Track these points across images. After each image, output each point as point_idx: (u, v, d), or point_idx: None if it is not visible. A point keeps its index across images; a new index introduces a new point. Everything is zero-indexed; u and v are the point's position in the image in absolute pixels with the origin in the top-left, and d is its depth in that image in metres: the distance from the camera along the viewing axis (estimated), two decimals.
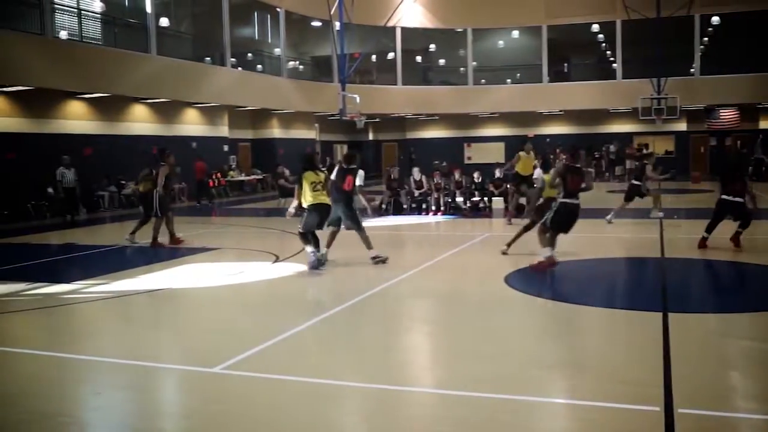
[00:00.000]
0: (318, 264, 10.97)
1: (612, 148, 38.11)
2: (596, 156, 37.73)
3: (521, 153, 17.10)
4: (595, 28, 35.96)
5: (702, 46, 35.11)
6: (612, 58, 36.66)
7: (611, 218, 16.12)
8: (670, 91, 33.44)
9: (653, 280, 10.44)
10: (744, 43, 34.36)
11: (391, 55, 36.66)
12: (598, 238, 14.47)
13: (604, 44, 37.15)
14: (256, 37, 33.32)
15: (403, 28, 36.40)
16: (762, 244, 13.38)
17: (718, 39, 34.67)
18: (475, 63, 37.83)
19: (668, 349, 6.41)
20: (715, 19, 34.05)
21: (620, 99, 35.19)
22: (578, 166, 10.65)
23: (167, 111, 26.50)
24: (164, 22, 24.89)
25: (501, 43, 39.22)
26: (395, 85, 36.65)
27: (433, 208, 19.71)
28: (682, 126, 37.61)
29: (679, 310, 8.06)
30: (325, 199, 11.10)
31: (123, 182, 23.47)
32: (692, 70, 35.23)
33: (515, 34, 38.29)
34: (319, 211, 11.06)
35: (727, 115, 36.81)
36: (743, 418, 5.01)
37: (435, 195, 19.89)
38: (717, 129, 37.47)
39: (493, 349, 6.73)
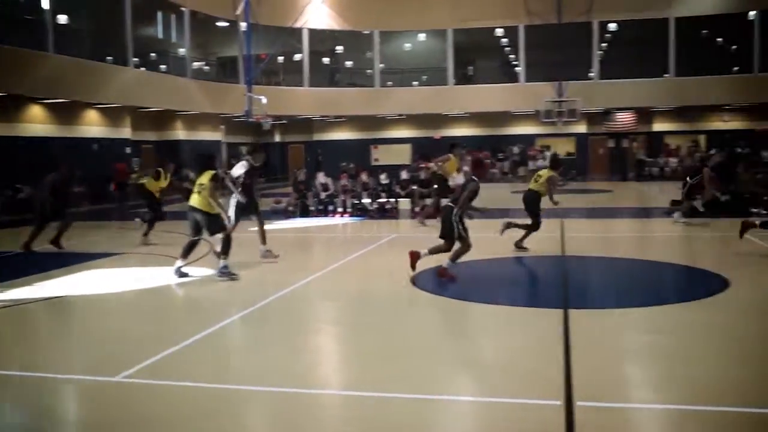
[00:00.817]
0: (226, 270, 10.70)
1: (515, 149, 39.02)
2: (500, 157, 38.59)
3: (451, 155, 16.94)
4: (500, 32, 36.79)
5: (600, 52, 36.35)
6: (516, 62, 37.53)
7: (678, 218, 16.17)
8: (571, 95, 34.53)
9: (555, 278, 10.72)
10: (639, 49, 35.83)
11: (298, 57, 36.50)
12: (502, 238, 14.76)
13: (508, 48, 37.99)
14: (160, 37, 32.62)
15: (311, 30, 36.32)
16: (659, 240, 13.96)
17: (615, 45, 36.00)
18: (382, 65, 38.08)
19: (569, 345, 6.61)
20: (612, 26, 35.36)
21: (523, 101, 36.04)
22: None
23: (66, 112, 25.58)
24: (63, 19, 24.06)
25: (408, 45, 39.68)
26: (302, 86, 36.52)
27: (340, 210, 19.71)
28: (582, 128, 38.83)
29: (580, 306, 8.32)
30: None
31: (18, 186, 22.53)
32: (591, 74, 36.44)
33: (422, 37, 38.80)
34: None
35: (624, 117, 38.21)
36: (639, 408, 5.22)
37: (342, 197, 19.90)
38: (614, 131, 38.84)
39: (400, 349, 6.78)
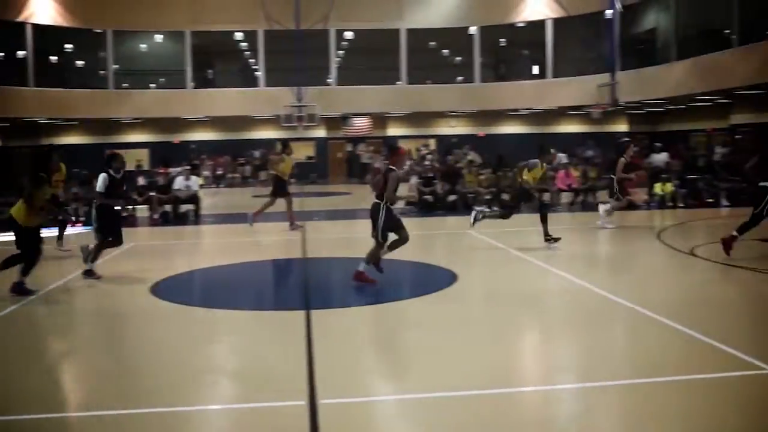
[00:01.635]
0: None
1: (257, 154, 39.04)
2: (241, 162, 38.36)
3: (284, 155, 16.44)
4: (239, 36, 36.64)
5: (338, 59, 37.52)
6: (256, 66, 37.59)
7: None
8: (310, 100, 35.27)
9: (296, 280, 10.89)
10: (375, 57, 37.55)
11: (21, 54, 33.72)
12: (245, 243, 14.74)
13: (248, 52, 37.95)
14: None
15: (35, 25, 33.73)
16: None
17: (353, 52, 37.40)
18: (116, 66, 36.35)
19: (311, 345, 6.74)
20: (349, 34, 36.67)
21: (264, 106, 36.19)
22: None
23: None
24: None
25: (144, 46, 38.20)
26: (26, 86, 33.80)
27: (73, 218, 18.51)
28: (321, 132, 39.76)
29: (322, 306, 8.53)
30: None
31: None
32: (330, 80, 37.47)
33: (159, 38, 37.57)
34: None
35: (361, 122, 39.71)
36: (382, 401, 5.45)
37: (73, 205, 18.70)
38: (352, 135, 40.26)
39: (144, 363, 6.52)
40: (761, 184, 11.14)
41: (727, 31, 27.89)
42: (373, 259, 9.69)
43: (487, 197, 19.82)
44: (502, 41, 39.42)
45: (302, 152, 39.50)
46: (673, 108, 36.10)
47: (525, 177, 13.30)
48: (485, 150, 29.46)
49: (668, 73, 31.02)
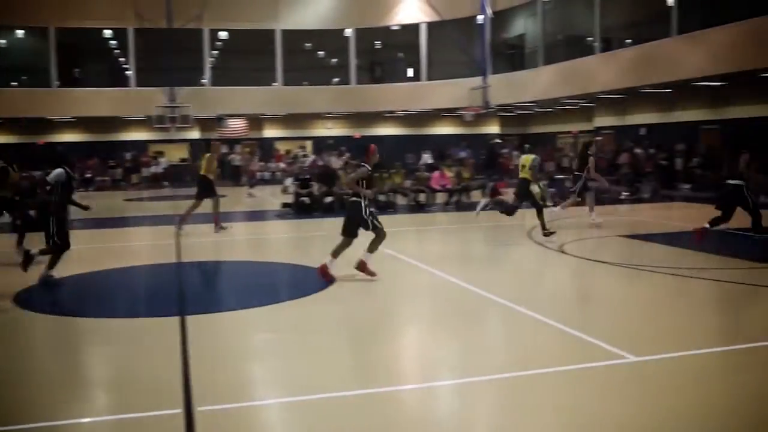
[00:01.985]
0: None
1: (128, 156, 37.80)
2: (112, 165, 36.96)
3: (207, 154, 16.01)
4: (108, 33, 35.39)
5: (212, 59, 36.86)
6: (126, 66, 36.41)
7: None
8: (183, 100, 34.50)
9: (171, 286, 10.60)
10: (250, 57, 37.14)
11: None
12: (115, 248, 14.25)
13: (117, 51, 36.71)
14: None
15: None
16: (273, 241, 14.54)
17: (227, 52, 36.82)
18: None
19: (186, 352, 6.59)
20: (223, 34, 36.10)
21: (135, 107, 35.16)
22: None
23: None
24: None
25: (4, 42, 36.29)
26: None
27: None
28: (195, 134, 38.93)
29: (197, 311, 8.33)
30: None
31: None
32: (204, 80, 36.77)
33: (20, 33, 35.76)
34: None
35: (236, 124, 39.14)
36: (259, 406, 5.37)
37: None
38: (227, 137, 39.55)
39: (8, 378, 6.18)
40: (731, 182, 11.81)
41: (590, 38, 29.23)
42: (374, 249, 9.85)
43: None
44: (378, 44, 39.86)
45: (175, 154, 38.63)
46: (541, 111, 37.53)
47: (525, 174, 13.90)
48: (362, 152, 29.69)
49: (536, 78, 32.22)
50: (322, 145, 37.54)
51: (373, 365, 6.27)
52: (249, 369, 6.36)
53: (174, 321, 7.78)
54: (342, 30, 37.51)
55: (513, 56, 36.42)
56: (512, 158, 28.71)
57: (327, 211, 19.27)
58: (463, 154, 30.11)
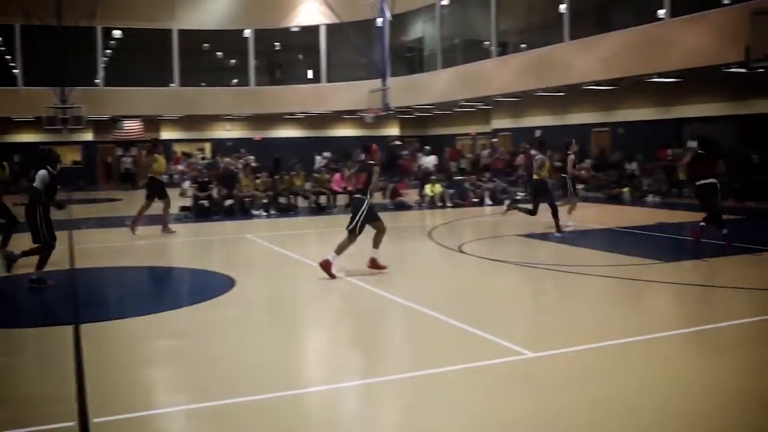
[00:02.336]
0: None
1: (16, 159, 36.19)
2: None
3: (156, 154, 15.49)
4: None
5: (106, 58, 35.78)
6: (13, 64, 34.90)
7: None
8: (76, 101, 33.33)
9: (65, 293, 10.22)
10: (146, 57, 36.24)
11: None
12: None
13: (3, 49, 35.14)
14: None
15: None
16: (170, 245, 14.23)
17: (123, 52, 35.77)
18: None
19: (81, 361, 6.36)
20: (117, 33, 35.07)
21: (23, 108, 33.75)
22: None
23: None
24: None
25: None
26: None
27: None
28: (89, 136, 37.65)
29: (94, 319, 8.05)
30: None
31: None
32: (97, 81, 35.65)
33: None
34: None
35: (131, 125, 38.10)
36: (158, 414, 5.23)
37: None
38: (123, 139, 38.50)
39: None
40: (701, 182, 11.84)
41: (487, 42, 29.88)
42: (342, 251, 10.08)
43: (264, 201, 19.79)
44: (277, 45, 39.59)
45: (68, 157, 37.23)
46: (440, 113, 38.08)
47: (541, 173, 14.11)
48: (262, 154, 29.43)
49: (435, 80, 32.70)
50: (221, 147, 36.94)
51: (275, 369, 6.21)
52: (147, 376, 6.20)
53: (68, 330, 7.50)
54: (241, 30, 37.09)
55: (412, 59, 36.83)
56: (413, 160, 28.99)
57: (228, 214, 19.02)
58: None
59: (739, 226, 14.32)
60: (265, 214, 19.36)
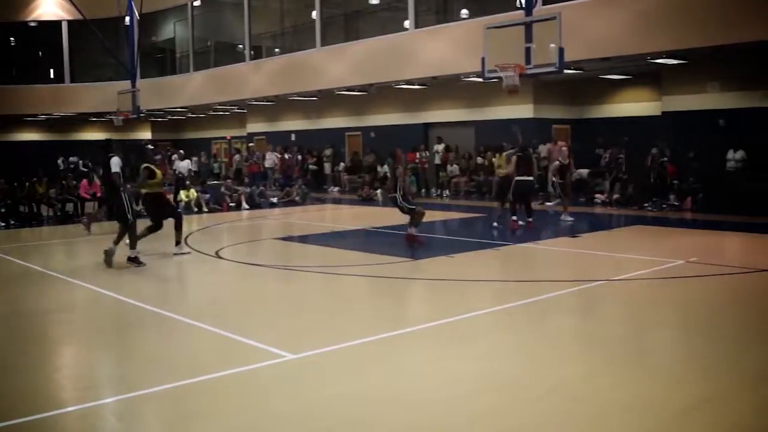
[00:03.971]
0: None
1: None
2: None
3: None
4: None
5: None
6: None
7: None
8: None
9: None
10: None
11: None
12: None
13: None
14: None
15: None
16: None
17: None
18: None
19: None
20: None
21: None
22: None
23: None
24: None
25: None
26: None
27: None
28: None
29: None
30: None
31: None
32: None
33: None
34: None
35: None
36: None
37: None
38: None
39: None
40: (522, 178, 14.15)
41: (241, 46, 29.79)
42: (417, 221, 12.82)
43: (2, 210, 18.31)
44: (13, 41, 36.72)
45: None
46: (194, 116, 37.39)
47: (502, 169, 15.52)
48: None
49: (188, 83, 32.07)
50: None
51: (26, 391, 5.76)
52: None
53: None
54: (59, 23, 34.04)
55: (164, 60, 35.78)
56: (167, 164, 28.14)
57: None
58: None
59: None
60: (3, 224, 17.94)
